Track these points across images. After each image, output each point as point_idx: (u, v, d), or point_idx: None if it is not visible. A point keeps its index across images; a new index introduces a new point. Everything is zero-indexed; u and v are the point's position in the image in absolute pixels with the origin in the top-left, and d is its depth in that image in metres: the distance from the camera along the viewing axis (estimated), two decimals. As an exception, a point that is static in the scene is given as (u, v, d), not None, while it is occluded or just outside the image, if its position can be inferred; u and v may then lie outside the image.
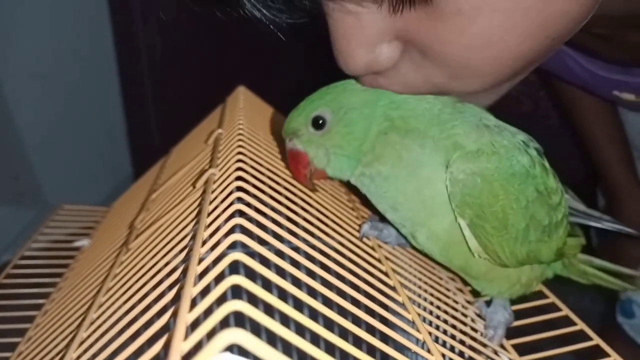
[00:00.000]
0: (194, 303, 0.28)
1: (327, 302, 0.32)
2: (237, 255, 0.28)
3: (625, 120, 1.02)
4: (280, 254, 0.34)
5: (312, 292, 0.33)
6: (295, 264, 0.35)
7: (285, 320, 0.28)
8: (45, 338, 0.47)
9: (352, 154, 0.46)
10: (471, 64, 0.41)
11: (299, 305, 0.31)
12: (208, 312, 0.27)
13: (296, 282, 0.33)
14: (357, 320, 0.32)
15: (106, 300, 0.42)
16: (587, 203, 0.58)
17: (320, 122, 0.45)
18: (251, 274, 0.30)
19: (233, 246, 0.32)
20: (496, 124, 0.46)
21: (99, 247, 0.59)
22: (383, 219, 0.50)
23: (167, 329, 0.29)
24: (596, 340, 0.46)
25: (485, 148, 0.42)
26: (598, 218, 0.55)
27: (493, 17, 0.38)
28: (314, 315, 0.31)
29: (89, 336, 0.39)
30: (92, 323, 0.40)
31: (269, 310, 0.27)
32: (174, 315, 0.29)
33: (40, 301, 0.58)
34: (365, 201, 0.51)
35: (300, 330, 0.27)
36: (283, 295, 0.31)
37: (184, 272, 0.33)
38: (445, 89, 0.44)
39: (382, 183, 0.46)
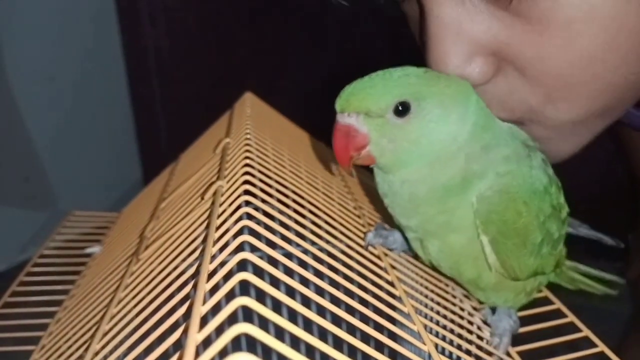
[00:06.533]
0: (205, 319, 0.29)
1: (335, 319, 0.33)
2: (246, 275, 0.29)
3: None
4: (289, 271, 0.35)
5: (321, 308, 0.34)
6: (304, 281, 0.35)
7: (295, 339, 0.29)
8: (59, 348, 0.48)
9: (425, 153, 0.42)
10: (569, 82, 0.41)
11: (308, 322, 0.32)
12: (219, 329, 0.27)
13: (305, 298, 0.34)
14: (365, 336, 0.33)
15: (118, 312, 0.43)
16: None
17: (400, 108, 0.41)
18: (260, 291, 0.31)
19: (242, 263, 0.33)
20: (525, 142, 0.46)
21: (110, 255, 0.60)
22: (389, 222, 0.50)
23: (180, 345, 0.30)
24: (601, 347, 0.47)
25: (512, 170, 0.43)
26: (577, 226, 0.56)
27: (599, 34, 0.38)
28: (322, 332, 0.31)
29: (102, 348, 0.40)
30: (104, 334, 0.41)
31: (278, 328, 0.28)
32: (185, 332, 0.30)
33: (53, 309, 0.59)
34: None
35: (311, 349, 0.28)
36: (292, 311, 0.32)
37: (194, 288, 0.34)
38: (539, 114, 0.44)
39: (430, 194, 0.43)
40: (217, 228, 0.39)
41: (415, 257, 0.51)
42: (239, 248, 0.35)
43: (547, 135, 0.47)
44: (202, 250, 0.38)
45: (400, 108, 0.41)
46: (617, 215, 1.10)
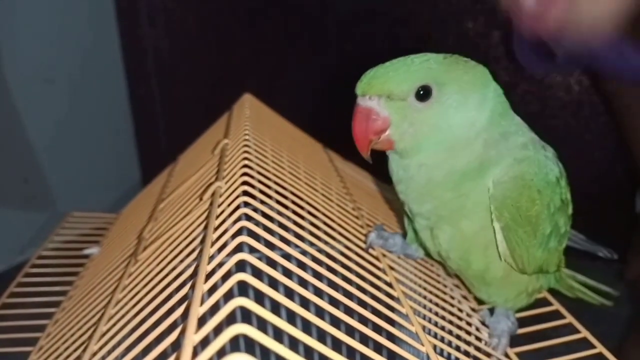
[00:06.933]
0: (204, 319, 0.29)
1: (334, 319, 0.33)
2: (243, 276, 0.29)
3: None
4: (287, 272, 0.35)
5: (320, 309, 0.33)
6: (302, 281, 0.35)
7: (293, 340, 0.28)
8: (57, 349, 0.48)
9: (444, 137, 0.42)
10: None
11: (306, 322, 0.31)
12: (219, 329, 0.27)
13: (303, 299, 0.33)
14: (364, 337, 0.33)
15: (116, 313, 0.43)
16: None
17: (422, 92, 0.41)
18: (259, 291, 0.31)
19: (240, 264, 0.33)
20: (535, 136, 0.46)
21: (108, 256, 0.60)
22: (388, 223, 0.50)
23: (178, 345, 0.30)
24: (599, 348, 0.47)
25: (530, 156, 0.43)
26: (573, 236, 0.57)
27: None
28: (321, 333, 0.31)
29: (100, 348, 0.40)
30: (102, 335, 0.41)
31: (277, 328, 0.28)
32: (183, 332, 0.29)
33: (51, 310, 0.58)
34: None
35: (309, 350, 0.28)
36: (290, 312, 0.32)
37: (192, 288, 0.33)
38: None
39: (447, 178, 0.43)
40: (215, 229, 0.39)
41: (424, 250, 0.51)
42: (237, 249, 0.35)
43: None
44: (200, 251, 0.38)
45: (421, 92, 0.41)
46: (617, 215, 1.10)
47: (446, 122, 0.42)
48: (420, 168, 0.43)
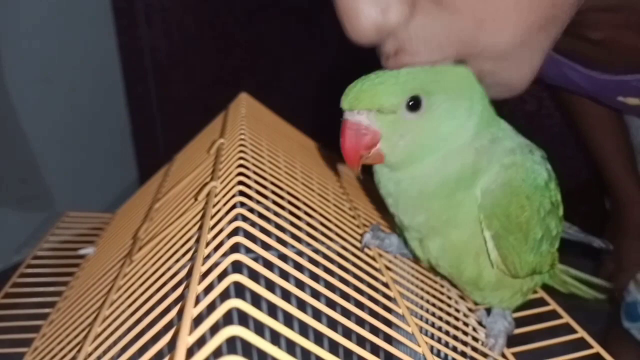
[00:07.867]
0: (200, 319, 0.29)
1: (330, 321, 0.32)
2: (238, 277, 0.29)
3: (631, 125, 1.01)
4: (282, 272, 0.35)
5: (316, 310, 0.33)
6: (298, 282, 0.35)
7: (291, 345, 0.28)
8: (52, 350, 0.47)
9: (437, 147, 0.41)
10: (487, 1, 0.39)
11: (303, 324, 0.31)
12: (215, 329, 0.27)
13: (299, 300, 0.33)
14: (361, 339, 0.33)
15: (110, 314, 0.43)
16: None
17: (412, 103, 0.40)
18: (254, 292, 0.31)
19: (235, 264, 0.33)
20: (523, 140, 0.46)
21: (103, 256, 0.60)
22: (385, 222, 0.50)
23: (174, 344, 0.30)
24: (597, 348, 0.47)
25: (516, 161, 0.43)
26: (567, 228, 0.56)
27: None
28: (319, 336, 0.31)
29: (95, 349, 0.40)
30: (97, 336, 0.41)
31: (273, 329, 0.27)
32: (176, 335, 0.29)
33: (46, 310, 0.58)
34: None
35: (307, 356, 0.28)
36: (285, 313, 0.31)
37: (187, 289, 0.33)
38: (474, 45, 0.41)
39: (440, 189, 0.42)
40: (210, 229, 0.39)
41: (414, 257, 0.51)
42: (233, 249, 0.35)
43: (496, 67, 0.44)
44: (195, 251, 0.37)
45: (411, 103, 0.40)
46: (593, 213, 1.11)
47: (437, 132, 0.41)
48: (413, 180, 0.43)
